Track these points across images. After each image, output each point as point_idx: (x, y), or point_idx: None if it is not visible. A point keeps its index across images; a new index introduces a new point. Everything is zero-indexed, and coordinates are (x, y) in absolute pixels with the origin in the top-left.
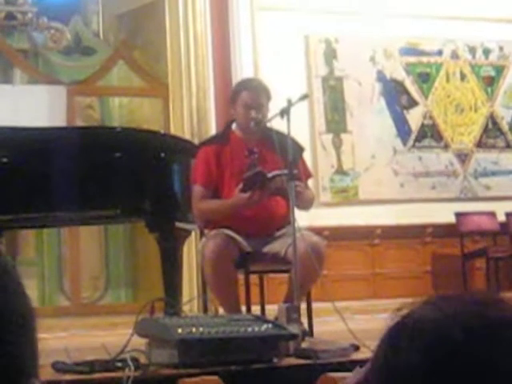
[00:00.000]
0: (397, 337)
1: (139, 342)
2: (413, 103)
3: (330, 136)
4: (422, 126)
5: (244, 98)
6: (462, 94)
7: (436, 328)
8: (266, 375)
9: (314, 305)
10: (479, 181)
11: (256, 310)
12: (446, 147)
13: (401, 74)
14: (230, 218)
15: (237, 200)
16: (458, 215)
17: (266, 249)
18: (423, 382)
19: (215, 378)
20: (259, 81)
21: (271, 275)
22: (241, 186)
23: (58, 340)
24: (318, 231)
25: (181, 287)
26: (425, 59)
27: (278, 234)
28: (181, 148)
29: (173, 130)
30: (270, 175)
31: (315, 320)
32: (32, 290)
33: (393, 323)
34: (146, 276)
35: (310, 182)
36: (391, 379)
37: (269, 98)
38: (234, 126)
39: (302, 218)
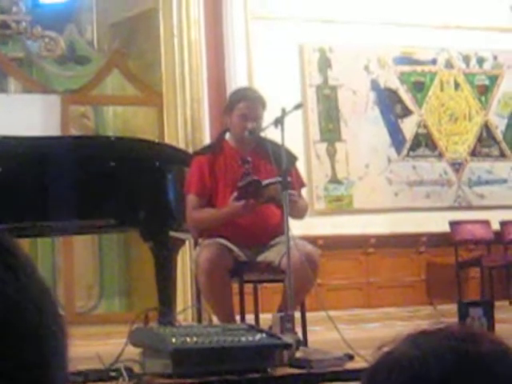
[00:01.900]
0: (376, 375)
1: (133, 352)
2: (407, 112)
3: (324, 145)
4: (416, 134)
5: (241, 109)
6: (456, 103)
7: (412, 365)
8: None
9: (308, 314)
10: (473, 190)
11: (250, 319)
12: (440, 156)
13: (395, 83)
14: (224, 227)
15: (231, 209)
16: (453, 224)
17: (260, 258)
18: None
19: None
20: (256, 91)
21: (265, 284)
22: (235, 194)
23: None
24: (312, 240)
25: (175, 296)
26: (419, 68)
27: (272, 242)
28: (175, 157)
29: (167, 139)
30: (264, 183)
31: (309, 329)
32: None
33: (373, 362)
34: (140, 285)
35: (304, 191)
36: None
37: (264, 108)
38: (227, 135)
39: (296, 227)
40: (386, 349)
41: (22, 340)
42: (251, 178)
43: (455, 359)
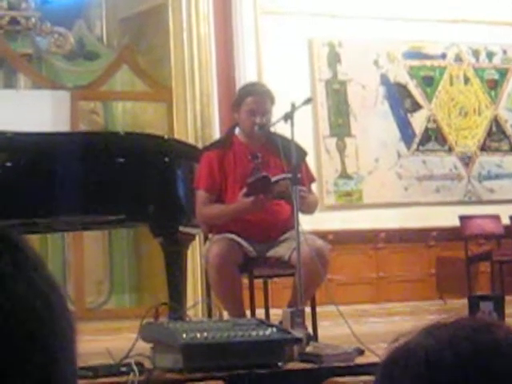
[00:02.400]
0: (391, 366)
1: (144, 347)
2: (416, 107)
3: (333, 140)
4: (426, 129)
5: (249, 104)
6: (466, 98)
7: (427, 355)
8: (271, 380)
9: (319, 309)
10: (483, 184)
11: (260, 314)
12: (450, 150)
13: (404, 78)
14: (234, 222)
15: (240, 205)
16: (463, 218)
17: (270, 253)
18: None
19: (220, 382)
20: (263, 85)
21: (275, 279)
22: (245, 190)
23: None
24: (322, 235)
25: (185, 291)
26: (428, 63)
27: (282, 238)
28: (185, 152)
29: (176, 135)
30: (273, 179)
31: (319, 324)
32: None
33: (388, 353)
34: (150, 280)
35: (314, 186)
36: None
37: (273, 102)
38: (237, 130)
39: (306, 222)
40: (400, 341)
41: (31, 336)
42: (260, 174)
43: (471, 348)
